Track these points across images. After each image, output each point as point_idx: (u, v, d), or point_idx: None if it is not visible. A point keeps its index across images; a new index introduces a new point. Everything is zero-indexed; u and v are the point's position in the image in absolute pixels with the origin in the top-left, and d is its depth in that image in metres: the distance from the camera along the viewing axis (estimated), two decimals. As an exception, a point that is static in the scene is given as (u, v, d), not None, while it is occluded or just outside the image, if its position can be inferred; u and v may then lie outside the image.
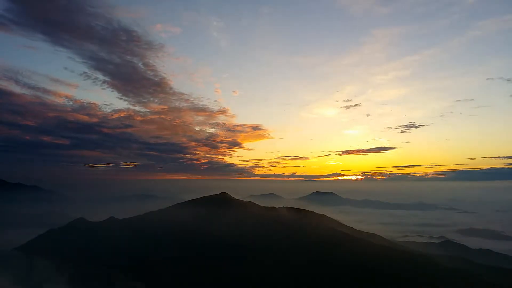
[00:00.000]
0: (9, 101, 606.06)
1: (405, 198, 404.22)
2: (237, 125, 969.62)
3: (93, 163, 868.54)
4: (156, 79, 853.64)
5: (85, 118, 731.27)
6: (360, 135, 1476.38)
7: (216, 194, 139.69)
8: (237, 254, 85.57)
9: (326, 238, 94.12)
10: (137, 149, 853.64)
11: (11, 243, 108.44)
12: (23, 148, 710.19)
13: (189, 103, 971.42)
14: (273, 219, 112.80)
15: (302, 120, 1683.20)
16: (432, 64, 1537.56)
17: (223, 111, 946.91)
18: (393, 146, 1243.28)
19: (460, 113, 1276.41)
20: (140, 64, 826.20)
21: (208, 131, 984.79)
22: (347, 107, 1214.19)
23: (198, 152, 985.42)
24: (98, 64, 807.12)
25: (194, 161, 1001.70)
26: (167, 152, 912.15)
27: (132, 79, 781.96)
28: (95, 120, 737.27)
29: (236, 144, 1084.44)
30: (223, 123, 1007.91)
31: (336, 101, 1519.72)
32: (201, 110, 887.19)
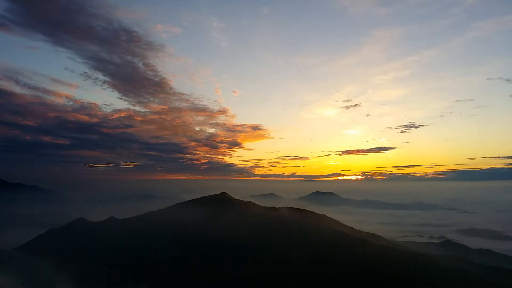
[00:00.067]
0: (9, 101, 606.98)
1: (405, 198, 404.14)
2: (237, 125, 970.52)
3: (93, 163, 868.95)
4: (156, 79, 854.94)
5: (86, 118, 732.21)
6: (360, 135, 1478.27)
7: (216, 194, 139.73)
8: (237, 254, 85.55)
9: (326, 238, 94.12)
10: (137, 149, 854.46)
11: (11, 243, 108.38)
12: (23, 148, 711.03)
13: (189, 103, 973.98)
14: (273, 219, 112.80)
15: (302, 120, 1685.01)
16: (432, 64, 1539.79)
17: (223, 111, 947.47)
18: (393, 146, 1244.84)
19: (460, 113, 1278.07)
20: (140, 64, 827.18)
21: (208, 131, 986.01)
22: (347, 107, 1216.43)
23: (198, 152, 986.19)
24: (99, 64, 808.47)
25: (194, 161, 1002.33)
26: (167, 152, 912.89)
27: (133, 79, 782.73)
28: (95, 120, 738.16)
29: (236, 144, 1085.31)
30: (223, 123, 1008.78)
31: (336, 101, 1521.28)
32: (201, 110, 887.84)
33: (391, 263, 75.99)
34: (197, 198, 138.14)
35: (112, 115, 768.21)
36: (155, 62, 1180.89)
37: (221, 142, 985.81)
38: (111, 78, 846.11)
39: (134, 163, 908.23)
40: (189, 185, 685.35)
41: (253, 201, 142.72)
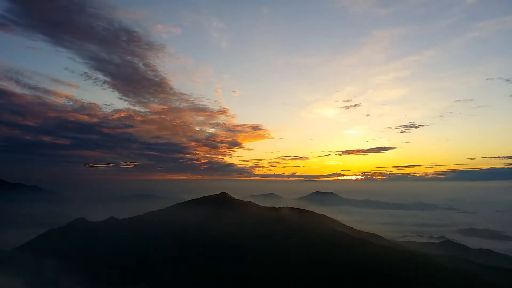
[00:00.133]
0: (9, 101, 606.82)
1: (405, 198, 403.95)
2: (237, 125, 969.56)
3: (93, 163, 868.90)
4: (157, 79, 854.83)
5: (86, 118, 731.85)
6: (360, 135, 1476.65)
7: (216, 194, 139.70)
8: (237, 254, 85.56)
9: (326, 238, 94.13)
10: (137, 149, 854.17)
11: (11, 243, 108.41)
12: (23, 148, 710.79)
13: (189, 103, 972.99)
14: (273, 219, 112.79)
15: (302, 120, 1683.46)
16: (432, 64, 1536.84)
17: (223, 111, 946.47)
18: (393, 146, 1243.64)
19: (460, 113, 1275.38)
20: (140, 65, 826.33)
21: (208, 131, 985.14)
22: (347, 107, 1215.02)
23: (198, 152, 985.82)
24: (99, 64, 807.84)
25: (194, 161, 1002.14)
26: (167, 152, 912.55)
27: (133, 79, 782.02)
28: (95, 120, 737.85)
29: (236, 144, 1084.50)
30: (223, 123, 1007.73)
31: (336, 101, 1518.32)
32: (201, 110, 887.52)
33: (391, 263, 76.00)
34: (197, 198, 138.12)
35: (112, 115, 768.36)
36: (155, 62, 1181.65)
37: (221, 142, 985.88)
38: (111, 78, 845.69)
39: (134, 163, 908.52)
40: (189, 185, 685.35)
41: (253, 201, 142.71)
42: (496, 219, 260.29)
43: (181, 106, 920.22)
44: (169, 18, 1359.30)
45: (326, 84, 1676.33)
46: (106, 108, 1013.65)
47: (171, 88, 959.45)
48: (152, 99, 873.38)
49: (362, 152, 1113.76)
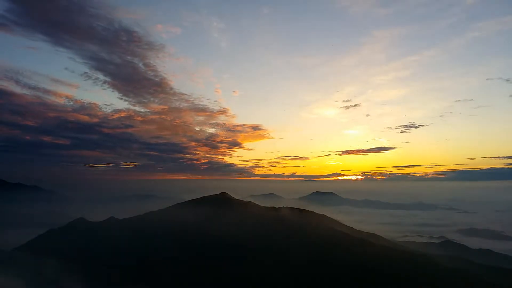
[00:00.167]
0: (9, 101, 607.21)
1: (405, 198, 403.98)
2: (237, 125, 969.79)
3: (93, 163, 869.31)
4: (157, 79, 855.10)
5: (86, 118, 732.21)
6: (360, 135, 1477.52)
7: (216, 194, 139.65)
8: (237, 254, 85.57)
9: (326, 238, 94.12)
10: (137, 149, 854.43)
11: (11, 243, 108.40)
12: (23, 148, 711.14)
13: (190, 103, 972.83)
14: (273, 219, 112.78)
15: (302, 120, 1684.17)
16: (432, 64, 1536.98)
17: (223, 111, 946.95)
18: (393, 146, 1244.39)
19: (460, 113, 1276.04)
20: (140, 65, 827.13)
21: (208, 131, 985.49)
22: (347, 107, 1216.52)
23: (198, 152, 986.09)
24: (99, 64, 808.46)
25: (194, 161, 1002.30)
26: (167, 152, 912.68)
27: (133, 79, 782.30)
28: (95, 120, 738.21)
29: (236, 144, 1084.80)
30: (223, 123, 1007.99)
31: (336, 101, 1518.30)
32: (202, 110, 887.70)
33: (391, 263, 76.00)
34: (197, 198, 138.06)
35: (112, 115, 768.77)
36: (155, 62, 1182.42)
37: (221, 142, 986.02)
38: (112, 78, 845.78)
39: (134, 163, 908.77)
40: (189, 185, 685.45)
41: (253, 201, 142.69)
42: (496, 219, 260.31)
43: (181, 106, 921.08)
44: (169, 18, 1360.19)
45: (326, 84, 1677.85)
46: (106, 108, 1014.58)
47: (171, 88, 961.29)
48: (152, 99, 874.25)
49: (362, 152, 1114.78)
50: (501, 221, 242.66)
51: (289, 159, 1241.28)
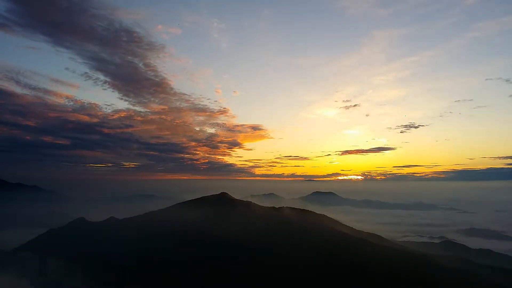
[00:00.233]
0: (10, 102, 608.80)
1: (405, 198, 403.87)
2: (237, 125, 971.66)
3: (94, 163, 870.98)
4: (157, 79, 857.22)
5: (86, 118, 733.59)
6: (360, 135, 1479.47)
7: (216, 194, 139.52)
8: (237, 254, 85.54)
9: (326, 238, 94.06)
10: (137, 149, 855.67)
11: (11, 243, 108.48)
12: (23, 148, 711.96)
13: (190, 103, 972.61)
14: (273, 219, 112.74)
15: (302, 120, 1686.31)
16: (432, 64, 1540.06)
17: (223, 111, 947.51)
18: (392, 146, 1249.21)
19: (460, 113, 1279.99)
20: (141, 65, 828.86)
21: (208, 131, 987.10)
22: (347, 107, 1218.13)
23: (198, 152, 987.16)
24: (99, 64, 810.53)
25: (194, 161, 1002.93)
26: (167, 152, 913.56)
27: (133, 79, 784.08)
28: (95, 120, 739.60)
29: (236, 144, 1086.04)
30: (223, 123, 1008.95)
31: (336, 101, 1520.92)
32: (202, 110, 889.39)
33: (391, 263, 75.94)
34: (197, 198, 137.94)
35: (113, 115, 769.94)
36: (156, 62, 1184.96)
37: (221, 142, 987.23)
38: (112, 78, 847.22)
39: (134, 163, 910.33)
40: (189, 185, 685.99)
41: (253, 201, 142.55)
42: (496, 219, 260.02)
43: (181, 106, 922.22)
44: (169, 19, 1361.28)
45: (326, 84, 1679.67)
46: (106, 108, 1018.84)
47: (172, 88, 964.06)
48: (152, 99, 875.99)
49: (362, 152, 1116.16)
50: (501, 221, 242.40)
51: (289, 159, 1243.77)
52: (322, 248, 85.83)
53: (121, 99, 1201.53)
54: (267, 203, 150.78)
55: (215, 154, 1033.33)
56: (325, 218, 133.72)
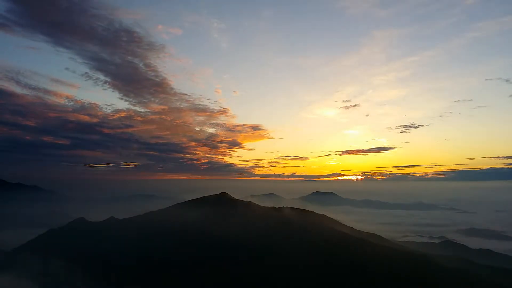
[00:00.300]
0: (10, 102, 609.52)
1: (405, 198, 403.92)
2: (237, 125, 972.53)
3: (94, 163, 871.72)
4: (157, 79, 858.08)
5: (86, 118, 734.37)
6: (360, 135, 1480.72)
7: (216, 194, 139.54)
8: (237, 254, 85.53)
9: (326, 238, 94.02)
10: (138, 149, 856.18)
11: (11, 243, 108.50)
12: (23, 148, 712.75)
13: (190, 103, 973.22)
14: (273, 219, 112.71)
15: (302, 120, 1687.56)
16: (432, 64, 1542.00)
17: (223, 111, 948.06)
18: (392, 146, 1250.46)
19: (459, 113, 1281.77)
20: (141, 65, 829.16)
21: (208, 131, 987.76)
22: (347, 107, 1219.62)
23: (198, 152, 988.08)
24: (100, 64, 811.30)
25: (194, 161, 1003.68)
26: (167, 152, 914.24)
27: (133, 79, 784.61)
28: (95, 120, 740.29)
29: (236, 144, 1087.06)
30: (223, 123, 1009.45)
31: (336, 101, 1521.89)
32: (202, 110, 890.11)
33: (391, 263, 75.91)
34: (197, 198, 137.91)
35: (113, 115, 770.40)
36: (156, 62, 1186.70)
37: (221, 142, 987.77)
38: (112, 78, 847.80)
39: (134, 163, 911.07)
40: (189, 185, 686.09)
41: (253, 201, 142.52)
42: (496, 219, 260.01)
43: (181, 106, 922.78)
44: (170, 19, 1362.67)
45: (326, 84, 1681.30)
46: (106, 108, 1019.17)
47: (172, 88, 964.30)
48: (152, 99, 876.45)
49: (362, 152, 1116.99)
50: (501, 221, 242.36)
51: (289, 159, 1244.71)
52: (322, 248, 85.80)
53: (121, 99, 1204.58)
54: (267, 203, 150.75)
55: (215, 154, 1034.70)
56: (325, 218, 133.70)
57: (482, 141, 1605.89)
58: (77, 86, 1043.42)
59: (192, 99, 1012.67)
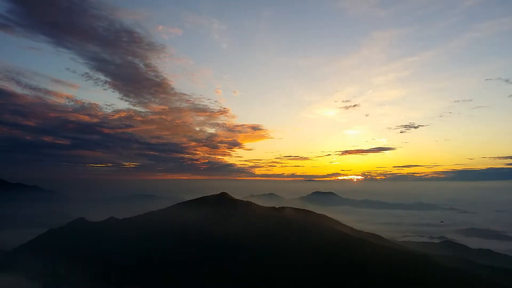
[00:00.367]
0: (10, 102, 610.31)
1: (405, 198, 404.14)
2: (237, 125, 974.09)
3: (94, 163, 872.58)
4: (157, 79, 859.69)
5: (86, 118, 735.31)
6: (360, 135, 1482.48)
7: (216, 194, 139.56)
8: (237, 254, 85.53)
9: (326, 238, 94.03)
10: (138, 149, 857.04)
11: (11, 243, 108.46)
12: (23, 148, 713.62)
13: (190, 103, 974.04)
14: (273, 219, 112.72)
15: (302, 120, 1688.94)
16: (432, 65, 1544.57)
17: (223, 112, 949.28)
18: (392, 146, 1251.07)
19: (459, 113, 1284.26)
20: (141, 65, 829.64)
21: (208, 131, 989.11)
22: (347, 108, 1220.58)
23: (198, 152, 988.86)
24: (100, 65, 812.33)
25: (194, 161, 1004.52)
26: (167, 152, 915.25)
27: (134, 79, 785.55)
28: (96, 120, 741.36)
29: (236, 144, 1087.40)
30: (223, 123, 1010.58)
31: (336, 101, 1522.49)
32: (202, 110, 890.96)
33: (391, 263, 75.89)
34: (197, 198, 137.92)
35: (113, 115, 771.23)
36: (156, 62, 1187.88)
37: (221, 142, 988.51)
38: (112, 78, 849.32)
39: (134, 163, 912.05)
40: (189, 185, 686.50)
41: (253, 201, 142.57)
42: (496, 219, 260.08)
43: (181, 106, 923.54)
44: (170, 19, 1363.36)
45: (326, 84, 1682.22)
46: (106, 108, 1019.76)
47: (172, 89, 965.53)
48: (152, 99, 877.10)
49: (362, 152, 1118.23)
50: (501, 221, 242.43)
51: (289, 159, 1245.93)
52: (322, 248, 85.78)
53: (122, 99, 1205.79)
54: (267, 203, 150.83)
55: (215, 154, 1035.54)
56: (325, 218, 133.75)
57: (482, 141, 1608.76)
58: (78, 86, 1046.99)
59: (192, 99, 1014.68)
